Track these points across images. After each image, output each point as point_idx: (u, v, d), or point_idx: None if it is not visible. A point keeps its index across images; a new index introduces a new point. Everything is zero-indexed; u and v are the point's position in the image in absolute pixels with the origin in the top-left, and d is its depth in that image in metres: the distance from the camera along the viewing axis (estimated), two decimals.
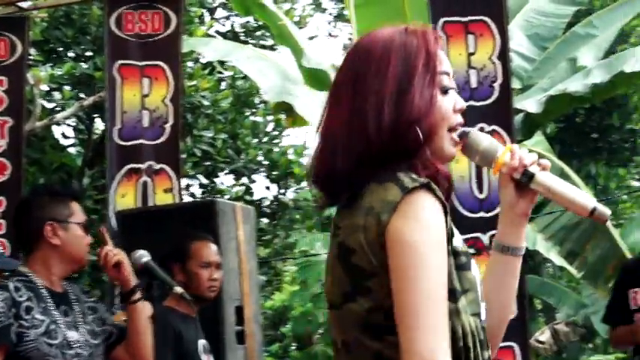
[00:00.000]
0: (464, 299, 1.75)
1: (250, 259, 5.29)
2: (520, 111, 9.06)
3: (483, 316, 1.81)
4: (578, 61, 9.83)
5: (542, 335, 12.07)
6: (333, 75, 9.72)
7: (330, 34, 22.92)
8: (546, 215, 9.73)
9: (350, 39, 9.95)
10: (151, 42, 5.84)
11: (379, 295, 1.73)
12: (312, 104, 9.40)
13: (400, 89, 1.78)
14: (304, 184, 11.64)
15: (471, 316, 1.75)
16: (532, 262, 13.85)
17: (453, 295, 1.72)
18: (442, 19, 5.17)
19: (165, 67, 5.81)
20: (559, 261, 10.72)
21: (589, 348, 13.88)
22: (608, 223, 9.38)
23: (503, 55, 5.15)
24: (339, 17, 18.28)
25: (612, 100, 14.31)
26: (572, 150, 15.38)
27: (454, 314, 1.72)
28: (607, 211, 1.87)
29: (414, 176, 1.75)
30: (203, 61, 10.29)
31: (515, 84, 9.58)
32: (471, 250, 4.93)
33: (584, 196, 1.87)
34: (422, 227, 1.70)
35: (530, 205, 1.94)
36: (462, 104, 1.86)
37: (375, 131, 1.77)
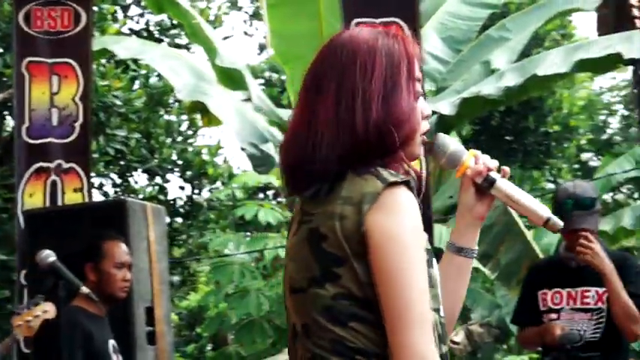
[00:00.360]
0: (429, 294, 1.81)
1: (161, 260, 5.26)
2: (434, 113, 9.16)
3: (442, 312, 1.87)
4: (491, 64, 9.94)
5: (457, 336, 12.20)
6: (247, 74, 9.73)
7: (245, 33, 22.83)
8: None
9: (265, 37, 9.93)
10: (60, 39, 5.77)
11: (347, 282, 1.79)
12: (226, 104, 9.37)
13: (387, 91, 1.85)
14: (218, 184, 11.59)
15: (433, 311, 1.81)
16: None
17: None
18: (355, 21, 5.21)
19: (75, 64, 5.74)
20: (473, 262, 10.84)
21: (503, 349, 14.10)
22: (522, 225, 9.56)
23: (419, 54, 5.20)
24: (255, 16, 18.25)
25: (527, 102, 14.56)
26: (488, 152, 15.58)
27: None
28: (560, 222, 1.99)
29: (392, 172, 1.82)
30: (116, 59, 10.15)
31: (430, 86, 9.70)
32: None
33: (539, 206, 1.99)
34: (406, 222, 1.77)
35: (487, 210, 2.04)
36: (429, 111, 1.95)
37: (363, 129, 1.83)
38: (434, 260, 1.88)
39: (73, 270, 4.13)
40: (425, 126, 1.94)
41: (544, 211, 1.98)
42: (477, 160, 2.02)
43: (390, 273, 1.76)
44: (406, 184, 1.81)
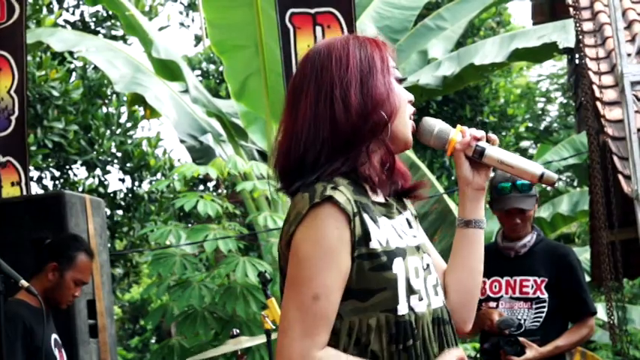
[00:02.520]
0: (376, 298, 1.91)
1: (102, 252, 5.23)
2: None
3: (403, 310, 1.93)
4: (428, 54, 10.02)
5: None
6: (183, 65, 9.69)
7: (181, 24, 22.65)
8: None
9: (201, 28, 9.90)
10: None
11: None
12: (163, 95, 9.34)
13: (362, 75, 1.97)
14: (159, 175, 11.52)
15: (382, 313, 1.91)
16: None
17: (363, 295, 1.90)
18: (290, 10, 5.20)
19: (9, 57, 5.68)
20: None
21: None
22: (456, 213, 9.64)
23: None
24: (191, 7, 18.13)
25: (464, 91, 14.69)
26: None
27: (361, 312, 1.90)
28: (554, 175, 2.06)
29: (328, 186, 1.91)
30: (52, 51, 10.04)
31: None
32: None
33: (532, 165, 2.05)
34: (313, 240, 1.89)
35: (485, 179, 2.10)
36: (411, 97, 2.05)
37: (344, 114, 1.93)
38: (397, 260, 1.94)
39: (31, 255, 4.13)
40: (410, 109, 2.05)
41: (537, 168, 2.05)
42: (463, 134, 2.07)
43: (287, 283, 1.92)
44: (329, 199, 1.89)
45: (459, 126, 2.11)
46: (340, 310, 1.91)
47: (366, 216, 1.93)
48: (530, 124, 17.58)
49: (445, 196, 9.72)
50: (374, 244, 1.92)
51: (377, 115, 1.95)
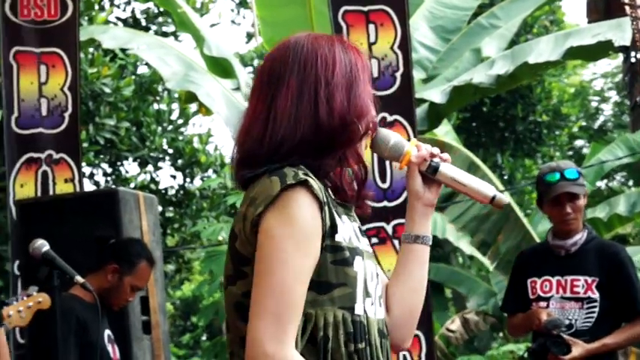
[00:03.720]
0: (336, 292, 1.86)
1: (155, 249, 5.23)
2: (425, 101, 9.15)
3: (359, 311, 1.89)
4: (482, 52, 9.93)
5: (453, 324, 12.17)
6: (235, 63, 9.69)
7: (233, 22, 22.75)
8: (457, 206, 9.83)
9: (253, 25, 9.89)
10: (47, 28, 5.73)
11: (251, 280, 1.85)
12: (215, 92, 9.33)
13: (349, 84, 1.93)
14: (210, 172, 11.56)
15: (340, 309, 1.86)
16: (442, 250, 13.95)
17: (322, 287, 1.85)
18: (343, 8, 5.17)
19: (63, 54, 5.71)
20: (469, 250, 10.83)
21: (499, 337, 14.08)
22: (520, 213, 9.55)
23: (404, 45, 5.17)
24: (242, 4, 18.17)
25: (517, 90, 14.53)
26: (479, 140, 15.51)
27: (319, 305, 1.85)
28: (505, 199, 2.04)
29: (299, 172, 1.85)
30: (104, 47, 10.10)
31: (420, 74, 9.67)
32: (374, 240, 4.93)
33: (484, 186, 2.03)
34: (288, 223, 1.82)
35: (435, 196, 2.08)
36: (377, 117, 2.02)
37: (326, 119, 1.89)
38: (357, 259, 1.91)
39: (84, 251, 4.15)
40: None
41: (489, 189, 2.03)
42: (419, 149, 2.06)
43: (258, 266, 1.83)
44: (304, 183, 1.84)
45: (413, 140, 2.09)
46: None
47: (332, 208, 1.91)
48: (583, 123, 17.35)
49: (507, 195, 9.61)
50: (339, 238, 1.89)
51: (356, 124, 1.92)
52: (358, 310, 1.89)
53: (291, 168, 1.86)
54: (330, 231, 1.87)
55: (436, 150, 2.05)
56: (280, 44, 1.99)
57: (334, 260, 1.87)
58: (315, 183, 1.86)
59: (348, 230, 1.93)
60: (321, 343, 1.84)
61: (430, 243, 2.09)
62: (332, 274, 1.86)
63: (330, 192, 1.96)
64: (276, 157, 1.88)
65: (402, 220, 4.74)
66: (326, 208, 1.87)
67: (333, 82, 1.91)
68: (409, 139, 2.09)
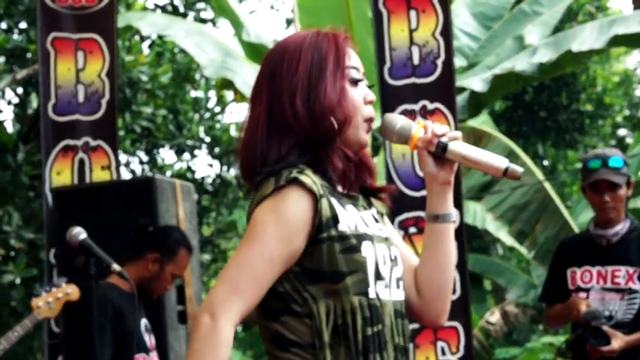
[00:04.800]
0: (349, 280, 1.94)
1: (191, 238, 5.17)
2: (465, 89, 9.03)
3: (372, 294, 1.97)
4: (524, 40, 9.78)
5: (492, 316, 12.10)
6: None
7: (272, 7, 22.76)
8: (495, 195, 9.73)
9: (292, 11, 9.83)
10: (84, 14, 5.67)
11: None
12: (253, 79, 9.27)
13: (311, 81, 1.99)
14: None
15: (355, 296, 1.94)
16: (481, 241, 13.82)
17: (335, 277, 1.94)
18: None
19: (100, 40, 5.64)
20: (509, 241, 10.72)
21: (539, 329, 13.96)
22: (558, 202, 9.41)
23: (446, 32, 5.07)
24: None
25: (561, 78, 14.33)
26: (521, 129, 15.31)
27: (335, 295, 1.93)
28: (519, 169, 2.03)
29: (294, 170, 1.94)
30: (142, 34, 10.07)
31: (461, 62, 9.54)
32: (413, 229, 4.87)
33: (496, 159, 2.03)
34: (272, 211, 1.93)
35: (450, 173, 2.09)
36: (372, 96, 2.06)
37: (293, 120, 1.97)
38: (366, 244, 1.97)
39: (120, 240, 4.12)
40: (369, 110, 2.05)
41: (501, 162, 2.02)
42: (426, 130, 2.07)
43: (240, 243, 1.97)
44: (293, 181, 1.94)
45: (421, 121, 2.10)
46: (315, 293, 1.94)
47: (333, 200, 1.98)
48: (627, 113, 17.08)
49: (546, 185, 9.49)
50: (342, 227, 1.96)
51: (326, 122, 1.98)
52: (372, 293, 1.96)
53: (289, 168, 1.95)
54: (331, 222, 1.95)
55: (444, 129, 2.06)
56: (266, 53, 2.08)
57: (342, 249, 1.94)
58: (307, 179, 1.94)
59: (353, 218, 1.99)
60: (341, 331, 1.93)
61: (451, 220, 2.12)
62: (342, 263, 1.94)
63: (338, 185, 2.02)
64: (270, 162, 1.97)
65: None
66: (323, 200, 1.94)
67: (293, 86, 1.98)
68: (451, 128, 2.10)
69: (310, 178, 1.95)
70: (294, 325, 1.94)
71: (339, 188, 2.02)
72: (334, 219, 1.95)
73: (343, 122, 1.99)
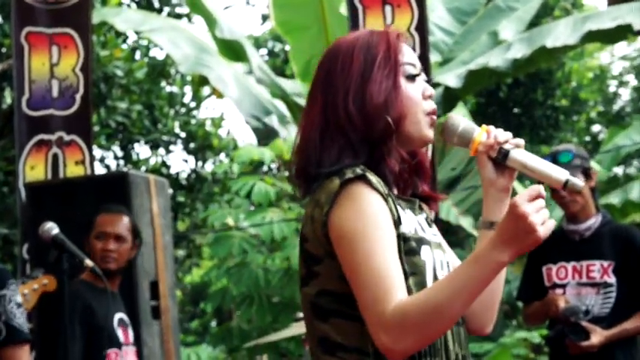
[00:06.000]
0: (410, 281, 1.88)
1: (165, 233, 5.19)
2: (439, 85, 9.05)
3: None
4: (499, 35, 9.82)
5: None
6: (247, 46, 9.61)
7: (247, 2, 22.69)
8: (462, 191, 9.75)
9: (268, 7, 9.82)
10: (59, 9, 5.65)
11: (325, 279, 1.91)
12: (227, 76, 9.26)
13: (363, 80, 1.95)
14: (223, 156, 11.48)
15: None
16: (456, 237, 13.88)
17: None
18: None
19: (75, 35, 5.63)
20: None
21: (512, 325, 14.02)
22: None
23: (421, 27, 5.09)
24: None
25: (536, 74, 14.36)
26: (495, 125, 15.30)
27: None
28: (579, 182, 1.98)
29: (357, 169, 1.90)
30: (116, 30, 10.02)
31: (436, 57, 9.56)
32: None
33: (557, 170, 1.98)
34: (358, 215, 1.87)
35: (510, 181, 2.05)
36: (431, 91, 2.03)
37: (347, 121, 1.94)
38: (425, 248, 1.95)
39: (77, 243, 4.08)
40: (429, 105, 2.01)
41: (562, 174, 1.97)
42: (488, 135, 2.02)
43: (347, 262, 1.87)
44: (361, 177, 1.89)
45: (484, 126, 2.05)
46: None
47: (394, 201, 1.94)
48: (601, 109, 17.18)
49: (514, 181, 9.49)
50: (404, 229, 1.93)
51: (381, 121, 1.94)
52: None
53: (350, 167, 1.91)
54: (397, 221, 1.91)
55: (506, 135, 2.02)
56: (322, 56, 2.05)
57: (405, 251, 1.91)
58: (373, 177, 1.90)
59: (412, 221, 1.97)
60: None
61: None
62: (405, 264, 1.89)
63: (394, 187, 1.99)
64: (325, 164, 1.94)
65: None
66: (389, 199, 1.91)
67: (346, 86, 1.96)
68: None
69: (374, 177, 1.91)
70: (345, 327, 1.90)
71: (395, 190, 1.99)
72: (398, 219, 1.92)
73: (398, 119, 1.95)
